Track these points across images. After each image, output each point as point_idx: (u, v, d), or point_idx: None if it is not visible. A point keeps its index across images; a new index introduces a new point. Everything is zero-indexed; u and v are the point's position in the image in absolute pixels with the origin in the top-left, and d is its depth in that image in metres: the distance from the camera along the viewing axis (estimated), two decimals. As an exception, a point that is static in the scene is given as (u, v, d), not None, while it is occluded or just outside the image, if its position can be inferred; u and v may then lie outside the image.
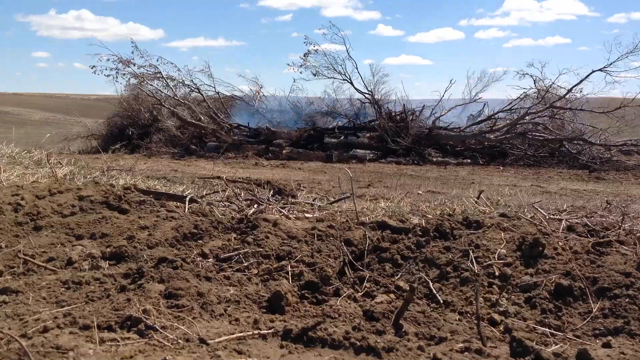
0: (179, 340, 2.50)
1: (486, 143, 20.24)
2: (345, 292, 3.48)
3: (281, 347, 2.58)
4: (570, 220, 4.78)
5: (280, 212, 5.30)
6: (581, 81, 20.36)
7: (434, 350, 2.67)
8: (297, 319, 3.02)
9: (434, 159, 18.96)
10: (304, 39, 22.23)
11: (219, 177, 9.46)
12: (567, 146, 19.49)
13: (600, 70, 20.09)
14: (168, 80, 22.06)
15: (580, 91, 20.50)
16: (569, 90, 20.44)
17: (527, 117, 20.93)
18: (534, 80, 21.68)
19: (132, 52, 21.62)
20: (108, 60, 20.93)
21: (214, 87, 23.33)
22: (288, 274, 3.67)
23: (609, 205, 5.50)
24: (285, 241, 4.24)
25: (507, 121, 21.45)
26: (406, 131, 19.88)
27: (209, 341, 2.51)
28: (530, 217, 4.87)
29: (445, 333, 2.96)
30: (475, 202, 6.08)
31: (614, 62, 19.60)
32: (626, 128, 19.78)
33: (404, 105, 21.20)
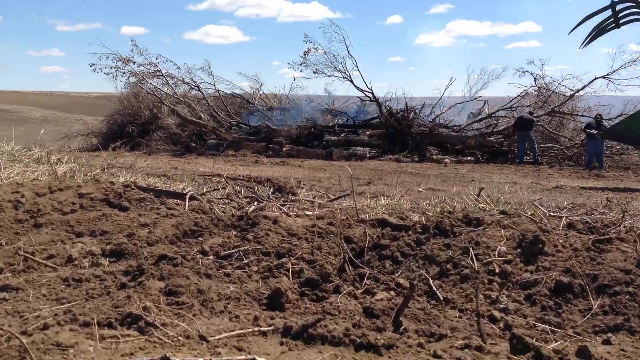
0: (179, 337, 2.50)
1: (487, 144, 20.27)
2: (345, 290, 3.48)
3: (281, 344, 2.58)
4: (570, 218, 4.77)
5: (281, 209, 5.30)
6: (583, 87, 20.43)
7: (434, 347, 2.67)
8: (297, 316, 3.02)
9: (434, 157, 18.95)
10: (304, 37, 22.26)
11: (219, 175, 9.46)
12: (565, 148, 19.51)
13: (602, 77, 20.21)
14: (168, 78, 22.09)
15: (581, 95, 20.63)
16: (570, 97, 20.53)
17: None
18: (534, 78, 21.73)
19: (132, 50, 21.62)
20: (108, 58, 20.93)
21: (214, 85, 23.35)
22: (288, 271, 3.67)
23: (609, 203, 5.50)
24: (285, 238, 4.24)
25: (508, 119, 21.48)
26: (407, 130, 19.90)
27: (209, 338, 2.51)
28: (531, 215, 4.86)
29: (446, 330, 2.96)
30: (476, 199, 6.08)
31: (616, 70, 19.73)
32: None
33: (406, 103, 21.18)
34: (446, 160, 18.39)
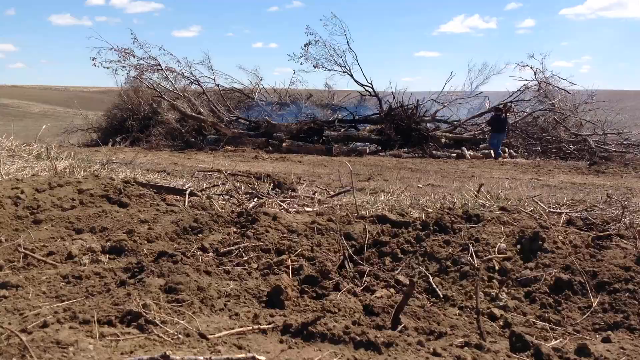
0: (179, 335, 2.49)
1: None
2: (345, 287, 3.48)
3: (281, 341, 2.58)
4: (570, 214, 4.77)
5: (280, 205, 5.30)
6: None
7: (434, 345, 2.67)
8: (297, 314, 3.02)
9: (435, 152, 18.95)
10: (305, 29, 22.22)
11: (218, 171, 9.47)
12: (564, 142, 19.52)
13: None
14: (167, 73, 22.04)
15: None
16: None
17: (526, 110, 20.98)
18: (535, 72, 21.71)
19: (133, 43, 21.58)
20: (110, 49, 20.87)
21: (214, 80, 23.31)
22: (288, 268, 3.67)
23: (609, 199, 5.49)
24: (285, 235, 4.24)
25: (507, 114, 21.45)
26: (416, 126, 19.91)
27: (209, 336, 2.51)
28: (530, 211, 4.86)
29: (445, 328, 2.96)
30: (475, 195, 6.08)
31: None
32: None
33: (417, 101, 21.20)
34: (467, 152, 18.54)
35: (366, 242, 4.19)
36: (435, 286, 3.57)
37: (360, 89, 22.96)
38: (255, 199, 5.64)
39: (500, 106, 20.47)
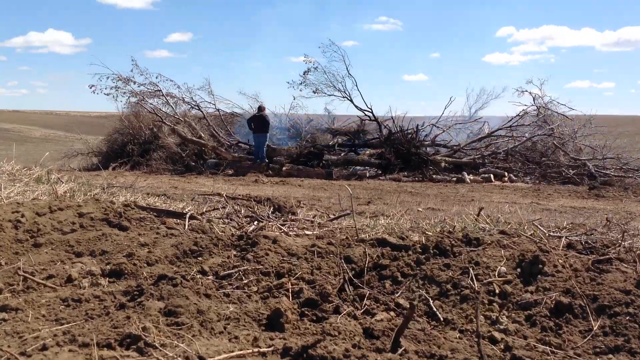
0: (179, 358, 2.49)
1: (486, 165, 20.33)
2: (345, 310, 3.47)
3: (281, 365, 2.58)
4: (570, 238, 4.77)
5: (280, 229, 5.30)
6: None
7: (434, 368, 2.66)
8: (297, 337, 3.01)
9: (434, 176, 18.97)
10: (304, 56, 22.38)
11: (219, 194, 9.46)
12: (564, 166, 19.56)
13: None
14: (168, 98, 22.17)
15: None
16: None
17: (526, 135, 21.04)
18: (533, 98, 21.82)
19: (132, 70, 21.72)
20: (108, 78, 21.04)
21: (214, 104, 23.44)
22: (288, 292, 3.66)
23: (608, 223, 5.49)
24: (285, 258, 4.24)
25: (507, 139, 21.55)
26: (415, 150, 19.98)
27: (208, 359, 2.51)
28: (530, 235, 4.86)
29: (446, 351, 2.95)
30: (475, 219, 6.08)
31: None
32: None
33: (417, 125, 21.31)
34: (467, 177, 18.53)
35: (366, 265, 4.19)
36: (435, 309, 3.56)
37: (360, 113, 23.07)
38: (256, 223, 5.64)
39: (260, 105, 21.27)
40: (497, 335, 3.24)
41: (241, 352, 2.65)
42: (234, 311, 3.24)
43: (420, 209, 10.51)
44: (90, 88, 21.19)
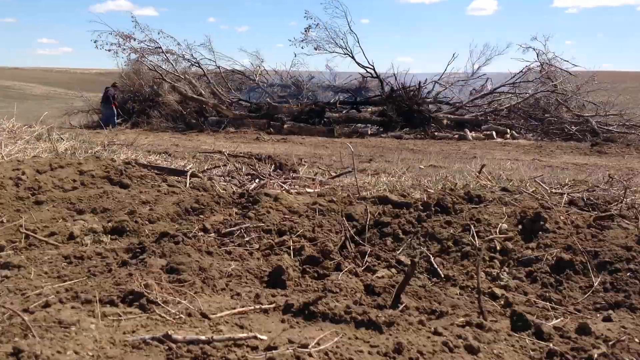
0: (181, 315, 2.50)
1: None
2: (346, 267, 3.48)
3: (282, 321, 2.59)
4: (572, 195, 4.77)
5: (282, 186, 5.30)
6: None
7: (435, 324, 2.67)
8: (299, 294, 3.02)
9: (436, 134, 18.90)
10: (305, 13, 22.13)
11: (220, 152, 9.45)
12: (566, 123, 19.47)
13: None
14: (168, 55, 21.97)
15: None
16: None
17: (529, 91, 20.89)
18: (537, 54, 21.60)
19: (134, 27, 21.52)
20: (111, 34, 20.89)
21: (215, 61, 23.24)
22: (289, 249, 3.67)
23: (611, 179, 5.48)
24: (286, 216, 4.24)
25: (509, 96, 21.40)
26: (418, 107, 19.86)
27: (211, 316, 2.52)
28: (532, 192, 4.86)
29: (446, 307, 2.97)
30: (477, 176, 6.07)
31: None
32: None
33: (419, 82, 21.14)
34: (469, 134, 18.45)
35: (367, 222, 4.19)
36: (436, 266, 3.58)
37: (362, 70, 22.88)
38: (257, 180, 5.64)
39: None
40: (497, 291, 3.25)
41: (243, 308, 2.67)
42: (235, 268, 3.25)
43: (421, 167, 10.50)
44: (94, 43, 21.07)
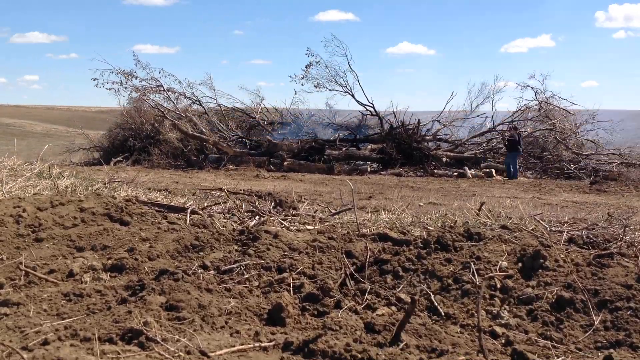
0: (180, 353, 2.49)
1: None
2: (346, 304, 3.47)
3: (282, 359, 2.58)
4: (571, 232, 4.77)
5: (282, 223, 5.30)
6: None
7: (435, 362, 2.66)
8: (298, 331, 3.01)
9: (436, 171, 18.97)
10: (306, 51, 22.37)
11: (220, 189, 9.46)
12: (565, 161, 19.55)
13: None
14: (169, 93, 22.18)
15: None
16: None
17: (527, 130, 21.01)
18: (535, 93, 21.80)
19: (135, 65, 21.75)
20: (112, 73, 21.10)
21: (215, 99, 23.45)
22: (289, 286, 3.67)
23: (610, 217, 5.48)
24: (286, 253, 4.24)
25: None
26: (417, 145, 19.97)
27: (210, 354, 2.51)
28: (532, 229, 4.86)
29: (447, 346, 2.95)
30: (477, 214, 6.07)
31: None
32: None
33: (418, 120, 21.31)
34: (469, 172, 18.49)
35: (367, 260, 4.19)
36: (436, 304, 3.56)
37: (361, 108, 23.06)
38: (257, 217, 5.64)
39: (513, 125, 20.49)
40: (498, 329, 3.24)
41: (242, 346, 2.66)
42: (235, 306, 3.24)
43: (421, 204, 10.51)
44: (94, 81, 21.27)
